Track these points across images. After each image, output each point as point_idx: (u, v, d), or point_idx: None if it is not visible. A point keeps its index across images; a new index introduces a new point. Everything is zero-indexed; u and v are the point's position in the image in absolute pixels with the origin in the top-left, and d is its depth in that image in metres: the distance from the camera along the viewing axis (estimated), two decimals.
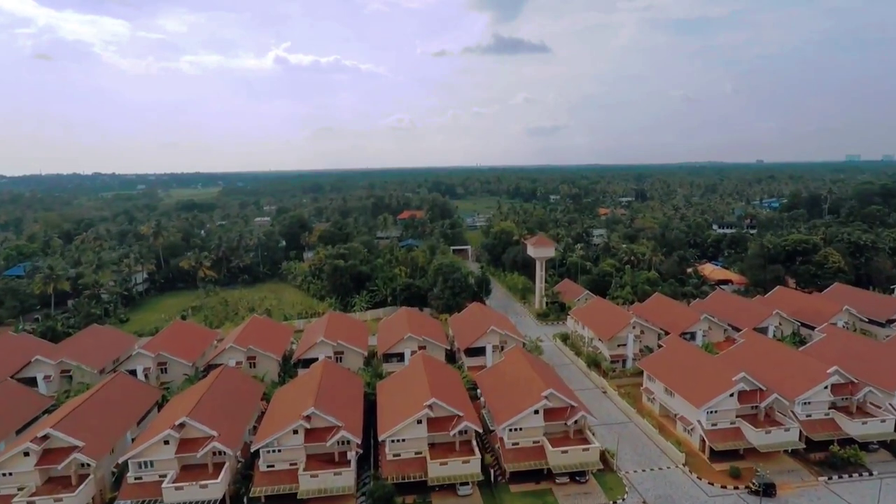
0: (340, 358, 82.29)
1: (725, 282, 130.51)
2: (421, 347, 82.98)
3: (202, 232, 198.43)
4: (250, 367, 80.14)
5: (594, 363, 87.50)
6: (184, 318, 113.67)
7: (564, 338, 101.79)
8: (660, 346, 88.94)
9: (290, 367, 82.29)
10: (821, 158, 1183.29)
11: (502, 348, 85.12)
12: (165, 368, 78.53)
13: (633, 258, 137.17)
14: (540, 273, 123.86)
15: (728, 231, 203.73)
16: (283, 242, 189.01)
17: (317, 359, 79.24)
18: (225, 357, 77.99)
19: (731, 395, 60.65)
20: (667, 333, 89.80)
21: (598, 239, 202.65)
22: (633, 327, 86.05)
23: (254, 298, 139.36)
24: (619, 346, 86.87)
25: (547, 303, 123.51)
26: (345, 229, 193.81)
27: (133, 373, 76.10)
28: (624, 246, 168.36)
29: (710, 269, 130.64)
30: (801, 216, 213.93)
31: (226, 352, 77.83)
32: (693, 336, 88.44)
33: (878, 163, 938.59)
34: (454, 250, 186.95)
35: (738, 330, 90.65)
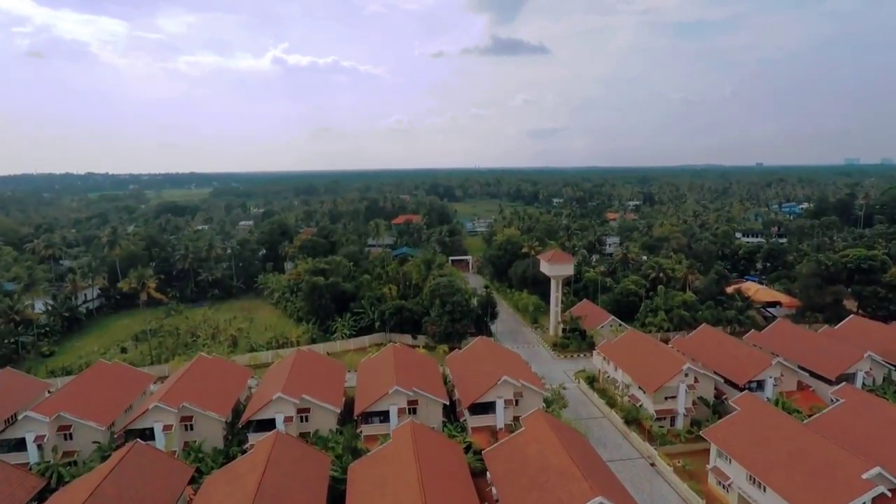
0: (306, 417, 62.79)
1: (773, 304, 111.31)
2: (411, 403, 63.51)
3: (173, 239, 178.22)
4: (186, 430, 60.55)
5: (634, 420, 68.16)
6: (124, 350, 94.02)
7: (591, 380, 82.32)
8: (717, 398, 69.84)
9: (239, 430, 62.57)
10: (820, 161, 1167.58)
11: (517, 402, 65.83)
12: (71, 434, 58.78)
13: (661, 275, 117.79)
14: (556, 294, 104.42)
15: (755, 240, 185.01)
16: (264, 251, 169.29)
17: (273, 421, 60.08)
18: (149, 420, 58.28)
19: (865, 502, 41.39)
20: (725, 381, 70.62)
21: (612, 248, 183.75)
22: (686, 375, 66.67)
23: (219, 320, 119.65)
24: (666, 398, 67.48)
25: (564, 329, 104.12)
26: (331, 237, 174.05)
27: (21, 443, 56.52)
28: (645, 258, 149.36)
29: (754, 289, 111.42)
30: (834, 224, 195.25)
31: (150, 413, 58.09)
32: (760, 385, 69.13)
33: (878, 166, 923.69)
34: (453, 261, 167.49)
35: (815, 377, 71.64)
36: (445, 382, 74.84)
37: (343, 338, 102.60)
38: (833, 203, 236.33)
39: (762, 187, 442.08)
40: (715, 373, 72.49)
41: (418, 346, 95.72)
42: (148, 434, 58.05)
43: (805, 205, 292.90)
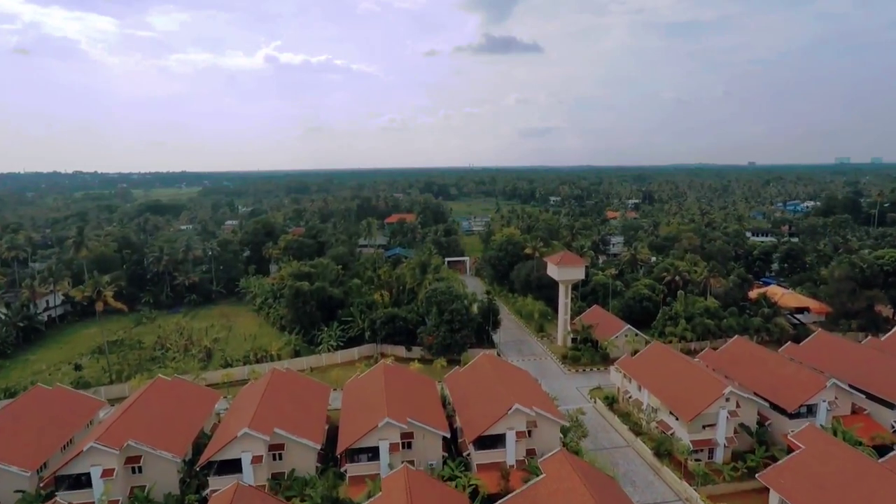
0: (280, 455, 52.56)
1: (801, 310, 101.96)
2: (406, 436, 53.45)
3: (150, 239, 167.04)
4: (133, 472, 50.11)
5: (665, 451, 58.42)
6: (78, 367, 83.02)
7: (609, 400, 72.47)
8: (760, 425, 60.22)
9: (199, 470, 52.14)
10: (811, 161, 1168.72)
11: (529, 433, 55.87)
12: None
13: (677, 278, 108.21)
14: (565, 300, 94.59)
15: (765, 239, 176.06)
16: (247, 252, 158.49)
17: (239, 461, 49.80)
18: (84, 463, 47.81)
19: None
20: (772, 406, 60.90)
21: (616, 248, 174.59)
22: (727, 399, 56.98)
23: (194, 329, 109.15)
24: (704, 426, 57.76)
25: (574, 339, 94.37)
26: (320, 237, 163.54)
27: None
28: (655, 259, 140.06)
29: (779, 294, 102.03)
30: (847, 222, 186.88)
31: (85, 455, 47.58)
32: (811, 410, 59.53)
33: (869, 165, 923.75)
34: (449, 262, 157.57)
35: (871, 399, 62.17)
36: (445, 405, 64.99)
37: (329, 350, 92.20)
38: (842, 201, 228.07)
39: (761, 185, 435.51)
40: (754, 393, 62.88)
41: (413, 360, 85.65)
42: (84, 480, 47.69)
43: (810, 203, 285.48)
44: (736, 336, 76.15)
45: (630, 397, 69.89)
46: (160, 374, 64.22)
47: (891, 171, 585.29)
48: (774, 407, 60.73)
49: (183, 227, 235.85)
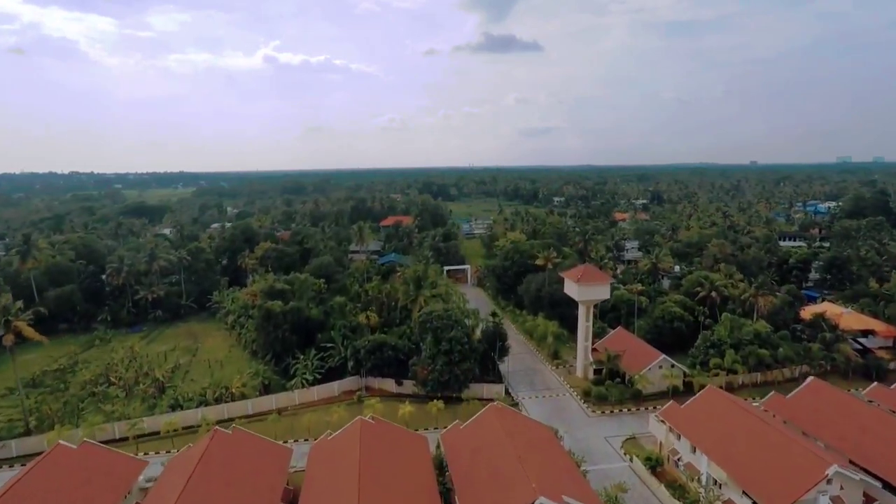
0: None
1: (865, 333, 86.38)
2: None
3: (117, 246, 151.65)
4: None
5: None
6: None
7: (652, 462, 56.66)
8: None
9: None
10: (813, 160, 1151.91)
11: None
12: None
13: (713, 294, 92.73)
14: (585, 324, 79.17)
15: (793, 244, 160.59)
16: (225, 261, 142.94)
17: None
18: None
19: None
20: (882, 483, 45.41)
21: (631, 254, 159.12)
22: (830, 482, 41.56)
23: (152, 353, 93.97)
24: None
25: (598, 370, 78.93)
26: (307, 243, 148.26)
27: None
28: (679, 268, 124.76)
29: (838, 313, 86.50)
30: (882, 225, 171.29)
31: None
32: None
33: (871, 164, 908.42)
34: (448, 271, 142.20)
35: None
36: (442, 470, 49.53)
37: (304, 385, 76.65)
38: (871, 201, 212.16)
39: (773, 185, 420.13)
40: (850, 462, 47.47)
41: (404, 400, 69.99)
42: None
43: (831, 203, 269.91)
44: (811, 378, 59.88)
45: (679, 459, 54.38)
46: (60, 441, 48.37)
47: None
48: (884, 484, 45.34)
49: (166, 231, 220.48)
